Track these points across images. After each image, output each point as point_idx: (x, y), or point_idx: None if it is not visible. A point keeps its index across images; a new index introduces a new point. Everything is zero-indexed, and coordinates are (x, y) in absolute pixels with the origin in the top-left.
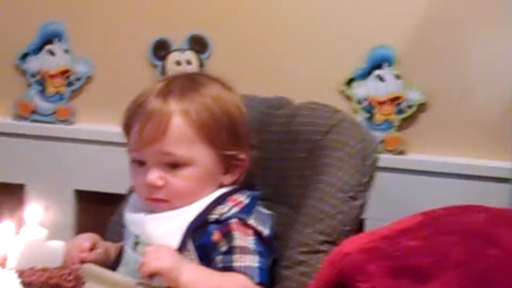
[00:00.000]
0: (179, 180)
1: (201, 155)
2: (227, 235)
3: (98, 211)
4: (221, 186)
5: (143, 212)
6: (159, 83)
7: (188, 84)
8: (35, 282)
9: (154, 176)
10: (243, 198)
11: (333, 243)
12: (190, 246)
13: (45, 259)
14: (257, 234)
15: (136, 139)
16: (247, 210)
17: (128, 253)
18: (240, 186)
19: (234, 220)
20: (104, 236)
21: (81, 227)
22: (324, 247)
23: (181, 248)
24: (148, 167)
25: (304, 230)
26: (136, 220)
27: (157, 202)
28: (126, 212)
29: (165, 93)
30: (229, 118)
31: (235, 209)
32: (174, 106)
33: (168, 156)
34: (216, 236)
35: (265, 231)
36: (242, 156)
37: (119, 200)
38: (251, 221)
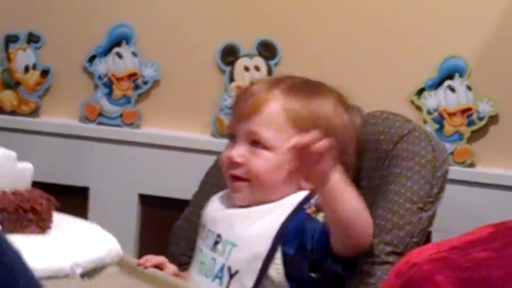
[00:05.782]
0: (259, 160)
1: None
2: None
3: (162, 216)
4: (300, 189)
5: (227, 210)
6: (273, 76)
7: (301, 86)
8: (8, 207)
9: (236, 152)
10: None
11: (400, 254)
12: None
13: (15, 180)
14: None
15: (232, 115)
16: None
17: (205, 251)
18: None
19: None
20: (167, 241)
21: (145, 232)
22: (390, 258)
23: (272, 252)
24: (236, 143)
25: None
26: (219, 218)
27: (237, 181)
28: (207, 211)
29: (273, 83)
30: (327, 130)
31: None
32: (277, 96)
33: (254, 135)
34: (310, 209)
35: None
36: None
37: (183, 206)
38: None
